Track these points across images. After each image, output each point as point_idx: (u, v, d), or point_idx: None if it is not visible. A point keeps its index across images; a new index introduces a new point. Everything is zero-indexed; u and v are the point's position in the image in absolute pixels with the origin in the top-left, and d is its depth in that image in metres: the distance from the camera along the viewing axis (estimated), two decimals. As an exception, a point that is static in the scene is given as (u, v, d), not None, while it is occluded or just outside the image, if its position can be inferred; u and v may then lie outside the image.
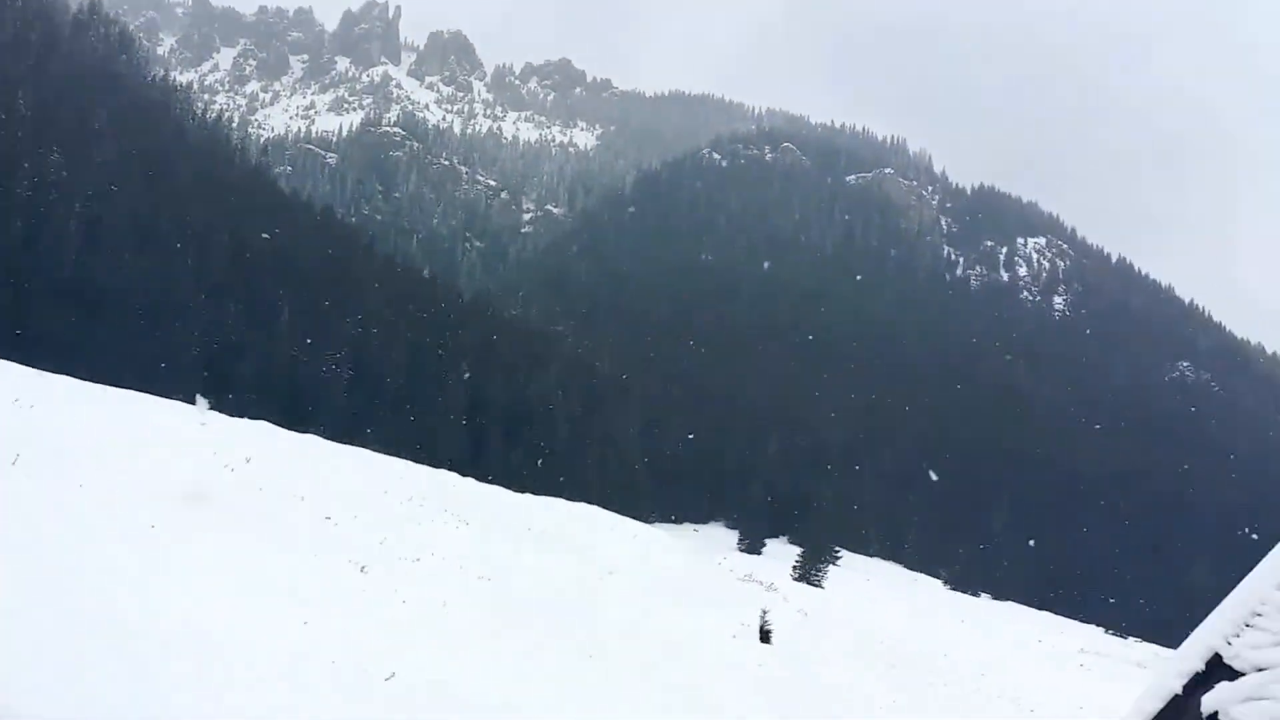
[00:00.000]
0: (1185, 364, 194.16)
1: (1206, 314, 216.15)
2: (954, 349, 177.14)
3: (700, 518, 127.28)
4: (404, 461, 50.63)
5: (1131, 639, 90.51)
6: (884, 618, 59.12)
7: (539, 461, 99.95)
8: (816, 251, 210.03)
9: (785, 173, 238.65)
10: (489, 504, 45.90)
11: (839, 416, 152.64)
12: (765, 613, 37.19)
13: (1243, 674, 8.11)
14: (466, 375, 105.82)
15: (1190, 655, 8.46)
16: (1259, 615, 8.30)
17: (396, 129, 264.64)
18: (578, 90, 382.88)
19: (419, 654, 19.35)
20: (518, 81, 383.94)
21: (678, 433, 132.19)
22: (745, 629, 36.00)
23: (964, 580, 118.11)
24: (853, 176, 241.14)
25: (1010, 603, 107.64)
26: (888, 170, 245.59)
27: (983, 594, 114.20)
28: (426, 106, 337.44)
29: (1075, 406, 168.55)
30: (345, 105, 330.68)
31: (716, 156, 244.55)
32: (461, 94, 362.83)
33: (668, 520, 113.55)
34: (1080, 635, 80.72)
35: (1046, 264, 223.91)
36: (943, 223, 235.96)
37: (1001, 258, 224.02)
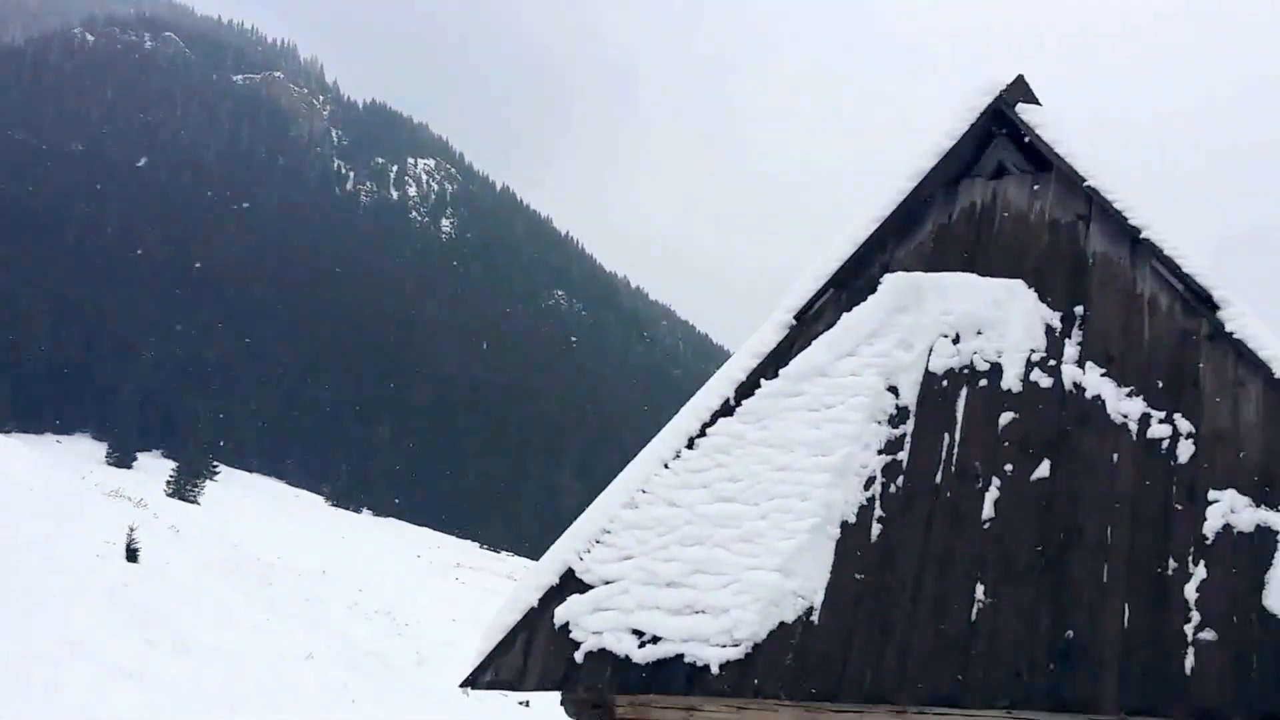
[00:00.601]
0: (560, 292, 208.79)
1: (580, 246, 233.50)
2: (343, 263, 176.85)
3: (64, 428, 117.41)
4: None
5: (505, 553, 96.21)
6: (262, 535, 57.89)
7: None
8: (199, 151, 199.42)
9: (167, 64, 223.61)
10: None
11: (221, 329, 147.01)
12: (133, 530, 34.78)
13: (592, 587, 8.33)
14: None
15: (546, 570, 8.64)
16: (608, 532, 8.61)
17: None
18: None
19: None
20: None
21: (37, 339, 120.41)
22: (110, 547, 33.37)
23: (346, 496, 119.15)
24: (240, 77, 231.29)
25: (392, 519, 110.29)
26: (278, 74, 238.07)
27: (365, 510, 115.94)
28: None
29: (460, 327, 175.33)
30: None
31: (90, 37, 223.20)
32: None
33: (25, 431, 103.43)
34: (457, 550, 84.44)
35: (436, 186, 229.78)
36: (334, 135, 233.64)
37: (392, 176, 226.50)
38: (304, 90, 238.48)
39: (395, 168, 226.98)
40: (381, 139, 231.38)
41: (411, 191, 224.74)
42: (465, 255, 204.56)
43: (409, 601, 46.60)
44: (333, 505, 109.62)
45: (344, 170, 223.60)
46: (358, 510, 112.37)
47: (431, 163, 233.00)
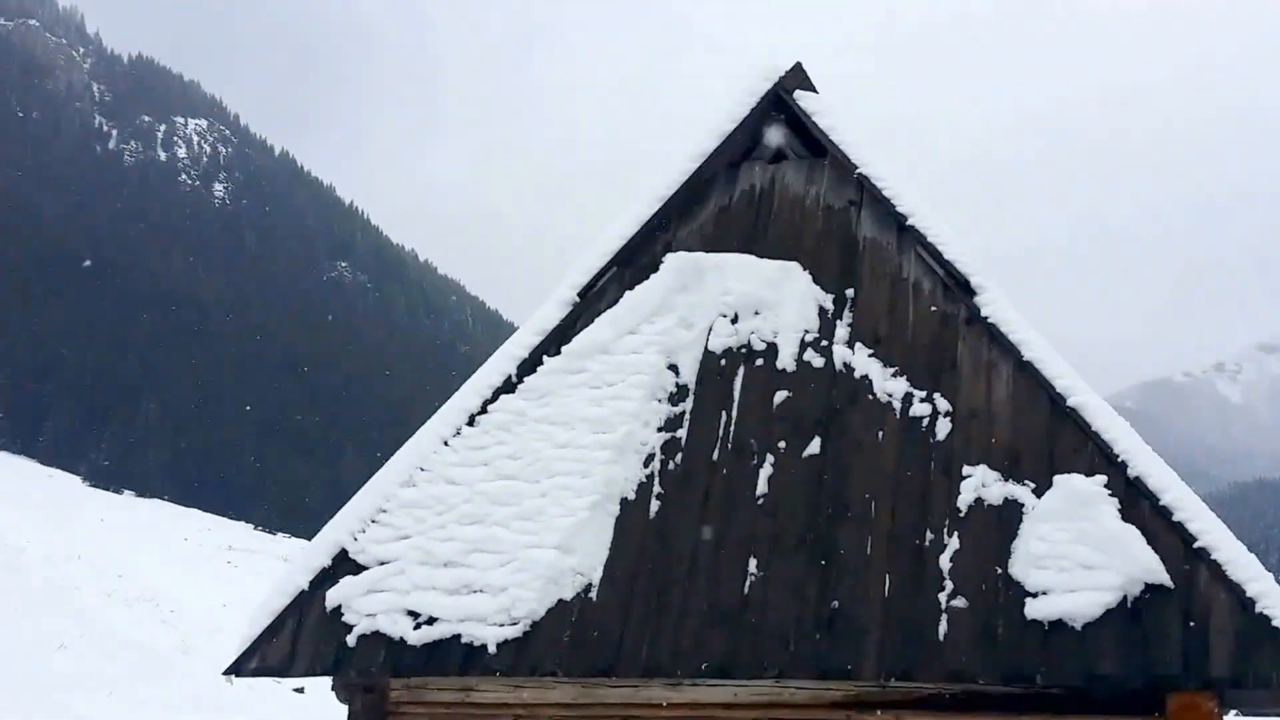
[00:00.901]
0: (344, 264, 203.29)
1: (366, 216, 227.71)
2: (103, 226, 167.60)
3: None
4: None
5: (282, 535, 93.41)
6: (9, 518, 54.48)
7: None
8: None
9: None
10: None
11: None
12: None
13: (366, 568, 8.19)
14: None
15: (318, 551, 8.45)
16: (384, 511, 8.47)
17: None
18: None
19: None
20: None
21: None
22: None
23: (106, 476, 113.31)
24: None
25: (157, 500, 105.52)
26: (33, 22, 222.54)
27: (126, 491, 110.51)
28: None
29: (234, 298, 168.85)
30: None
31: None
32: None
33: None
34: (229, 532, 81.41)
35: (208, 148, 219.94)
36: (95, 90, 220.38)
37: (160, 136, 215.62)
38: (61, 40, 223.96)
39: (163, 127, 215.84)
40: (148, 96, 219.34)
41: (181, 153, 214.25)
42: (240, 223, 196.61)
43: (175, 587, 44.73)
44: (91, 486, 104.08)
45: (106, 128, 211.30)
46: (119, 491, 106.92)
47: (204, 123, 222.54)
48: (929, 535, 7.34)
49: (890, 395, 8.01)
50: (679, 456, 8.25)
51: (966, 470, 7.52)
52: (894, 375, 8.10)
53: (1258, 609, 6.47)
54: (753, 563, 7.59)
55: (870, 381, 8.11)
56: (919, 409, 7.88)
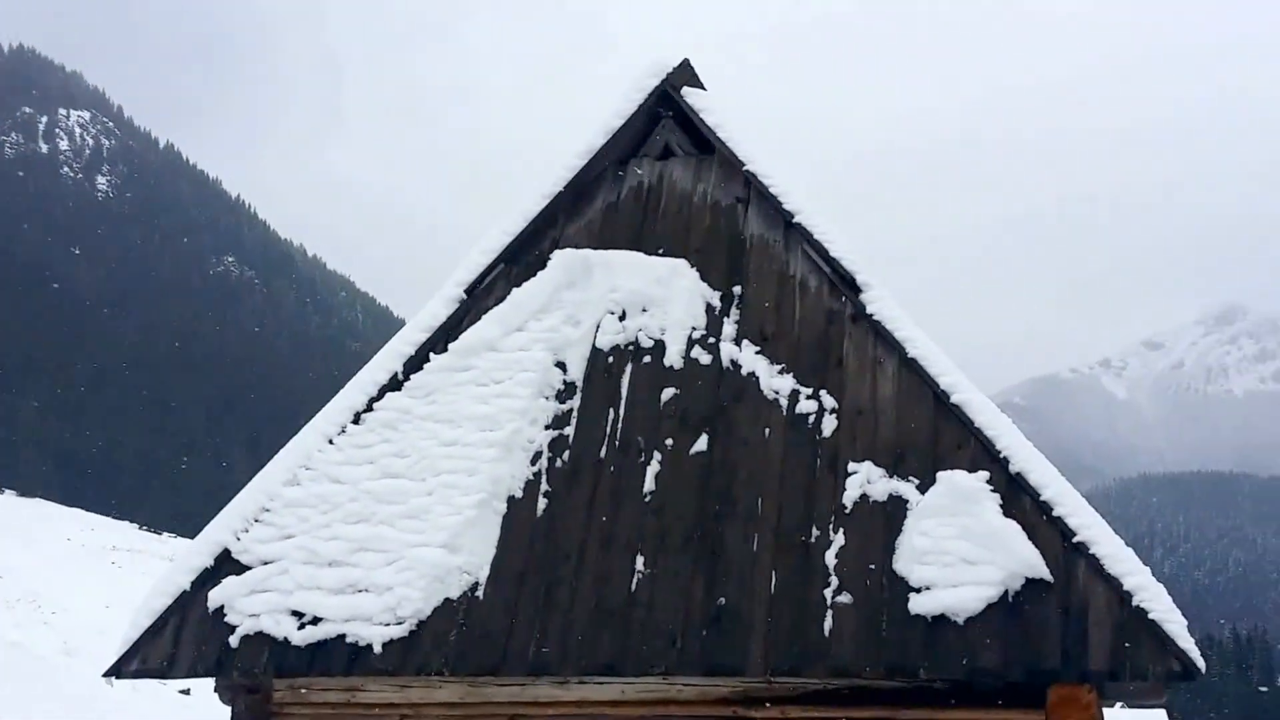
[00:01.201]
0: (230, 259, 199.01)
1: (253, 210, 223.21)
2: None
3: None
4: None
5: (167, 535, 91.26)
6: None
7: None
8: None
9: None
10: None
11: None
12: None
13: (250, 568, 8.05)
14: None
15: (200, 551, 8.31)
16: (267, 510, 8.33)
17: None
18: None
19: None
20: None
21: None
22: None
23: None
24: None
25: (38, 499, 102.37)
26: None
27: (7, 491, 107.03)
28: None
29: (117, 293, 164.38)
30: None
31: None
32: None
33: None
34: (113, 532, 79.20)
35: (90, 140, 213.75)
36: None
37: (41, 128, 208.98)
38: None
39: (44, 119, 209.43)
40: (29, 86, 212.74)
41: (63, 145, 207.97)
42: (124, 216, 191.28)
43: (57, 588, 43.40)
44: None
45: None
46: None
47: (86, 115, 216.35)
48: (815, 532, 7.39)
49: (777, 392, 8.05)
50: (566, 454, 8.21)
51: (852, 467, 7.58)
52: (781, 372, 8.14)
53: (1135, 602, 6.61)
54: (640, 560, 7.58)
55: (757, 379, 8.15)
56: (805, 406, 7.94)
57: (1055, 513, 7.03)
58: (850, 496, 7.46)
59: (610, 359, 8.59)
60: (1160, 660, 6.50)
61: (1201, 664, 6.53)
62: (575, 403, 8.43)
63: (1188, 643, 6.49)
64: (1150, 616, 6.55)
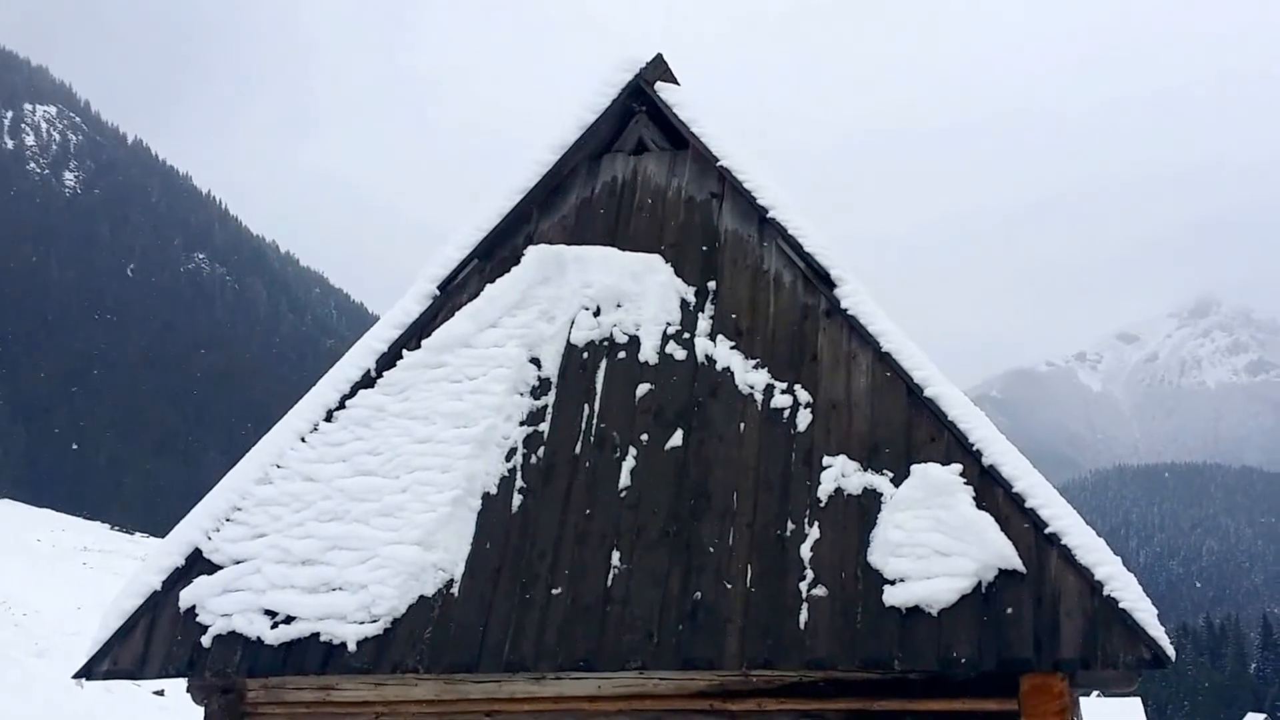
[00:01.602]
0: (201, 255, 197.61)
1: (224, 206, 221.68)
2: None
3: None
4: None
5: (139, 534, 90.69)
6: None
7: None
8: None
9: None
10: None
11: None
12: None
13: (221, 567, 8.00)
14: None
15: (171, 551, 8.26)
16: (239, 509, 8.29)
17: None
18: None
19: None
20: None
21: None
22: None
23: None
24: None
25: (7, 500, 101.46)
26: None
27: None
28: None
29: (86, 290, 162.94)
30: None
31: None
32: None
33: None
34: (85, 533, 78.63)
35: (58, 136, 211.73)
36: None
37: (6, 123, 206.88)
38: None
39: (10, 114, 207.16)
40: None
41: (29, 141, 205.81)
42: (92, 213, 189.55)
43: (28, 589, 43.04)
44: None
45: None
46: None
47: (53, 110, 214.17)
48: (790, 525, 7.41)
49: (752, 387, 8.06)
50: (541, 450, 8.19)
51: (827, 460, 7.60)
52: (755, 367, 8.15)
53: (1105, 592, 6.66)
54: (616, 556, 7.58)
55: (732, 373, 8.15)
56: (780, 400, 7.94)
57: (1028, 504, 7.07)
58: (825, 490, 7.47)
59: (585, 355, 8.57)
60: (1131, 649, 6.55)
61: (1171, 652, 6.59)
62: (550, 399, 8.42)
63: (1158, 631, 6.54)
64: (1121, 606, 6.61)
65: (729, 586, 7.26)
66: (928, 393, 7.63)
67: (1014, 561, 6.87)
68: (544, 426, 8.30)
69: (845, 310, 8.13)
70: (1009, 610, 6.79)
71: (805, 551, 7.27)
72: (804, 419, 7.83)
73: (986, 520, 7.01)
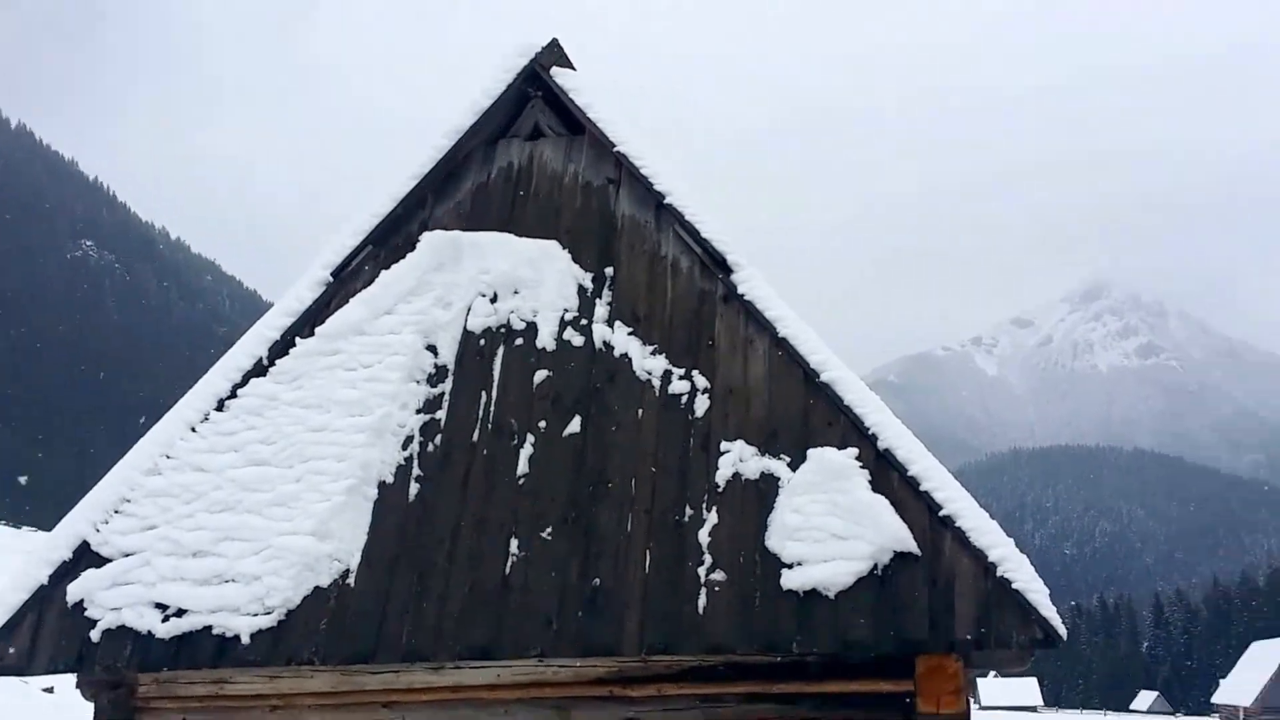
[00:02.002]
0: (89, 243, 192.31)
1: (111, 193, 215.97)
2: None
3: None
4: None
5: (27, 529, 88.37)
6: None
7: None
8: None
9: None
10: None
11: None
12: None
13: (110, 560, 7.81)
14: None
15: (58, 544, 8.03)
16: (128, 501, 8.08)
17: None
18: None
19: None
20: None
21: None
22: None
23: None
24: None
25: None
26: None
27: None
28: None
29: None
30: None
31: None
32: None
33: None
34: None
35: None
36: None
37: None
38: None
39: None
40: None
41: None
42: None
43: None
44: None
45: None
46: None
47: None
48: (688, 511, 7.43)
49: (650, 373, 8.06)
50: (438, 438, 8.11)
51: (725, 446, 7.63)
52: (653, 353, 8.15)
53: (999, 573, 6.77)
54: (514, 544, 7.54)
55: (630, 360, 8.14)
56: (678, 386, 7.96)
57: (923, 487, 7.16)
58: (723, 475, 7.51)
59: (482, 341, 8.50)
60: (1023, 629, 6.68)
61: (1063, 631, 6.73)
62: (447, 386, 8.33)
63: (1050, 611, 6.68)
64: (1014, 586, 6.73)
65: (628, 573, 7.27)
66: (824, 377, 7.69)
67: (909, 544, 6.96)
68: (441, 414, 8.21)
69: (742, 296, 8.16)
70: (904, 592, 6.87)
71: (704, 537, 7.30)
72: (702, 404, 7.85)
73: (882, 504, 7.09)
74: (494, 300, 8.62)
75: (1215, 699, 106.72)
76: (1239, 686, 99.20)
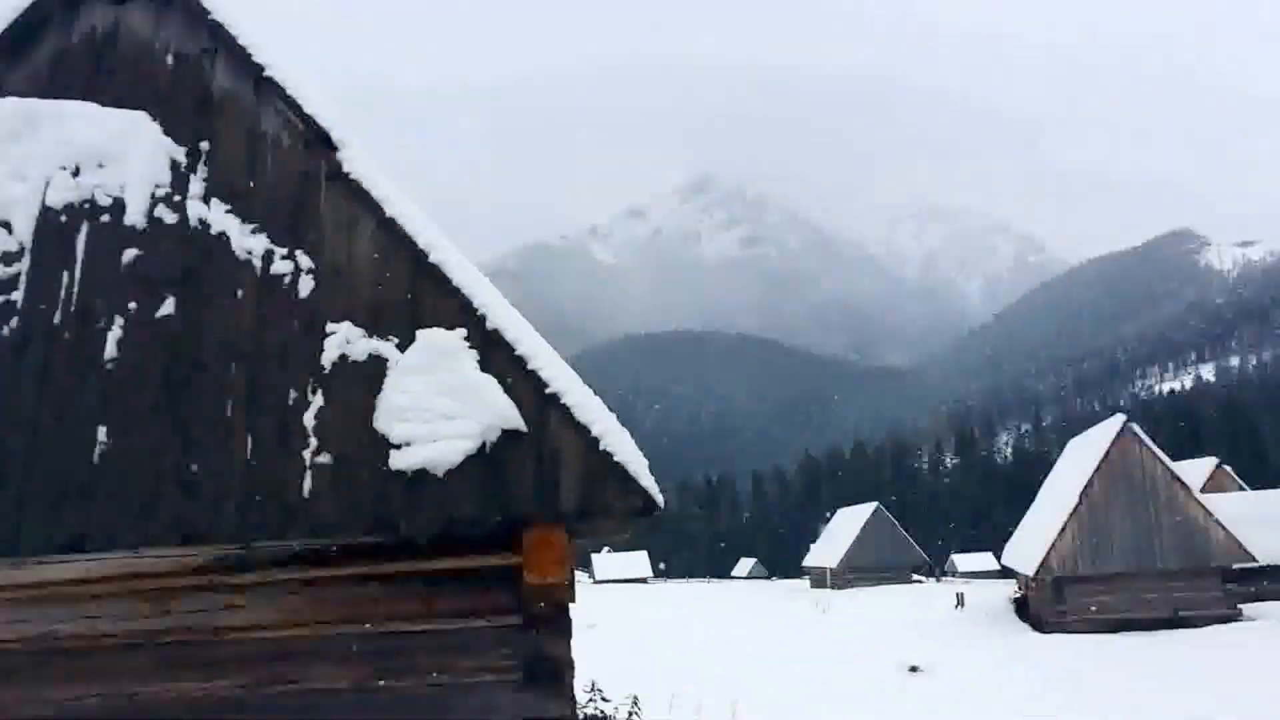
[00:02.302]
0: None
1: None
2: None
3: None
4: None
5: None
6: None
7: None
8: None
9: None
10: None
11: None
12: None
13: None
14: None
15: None
16: None
17: None
18: None
19: None
20: None
21: None
22: None
23: None
24: None
25: None
26: None
27: None
28: None
29: None
30: None
31: None
32: None
33: None
34: None
35: None
36: None
37: None
38: None
39: None
40: None
41: None
42: None
43: None
44: None
45: None
46: None
47: None
48: (292, 394, 7.27)
49: (250, 252, 7.74)
50: (15, 321, 7.48)
51: (330, 327, 7.47)
52: (253, 232, 7.82)
53: (601, 447, 7.06)
54: (103, 431, 7.12)
55: (228, 238, 7.78)
56: (280, 266, 7.69)
57: (529, 366, 7.29)
58: (329, 357, 7.37)
59: (63, 218, 7.85)
60: (624, 498, 7.02)
61: (660, 499, 7.11)
62: (23, 265, 7.66)
63: (648, 481, 7.05)
64: (615, 459, 7.03)
65: (227, 459, 7.05)
66: (432, 258, 7.64)
67: (516, 421, 7.11)
68: (17, 296, 7.56)
69: (347, 175, 7.93)
70: (512, 468, 7.05)
71: (309, 420, 7.17)
72: (306, 285, 7.63)
73: (490, 383, 7.19)
74: (77, 174, 7.96)
75: (806, 562, 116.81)
76: (826, 550, 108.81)
